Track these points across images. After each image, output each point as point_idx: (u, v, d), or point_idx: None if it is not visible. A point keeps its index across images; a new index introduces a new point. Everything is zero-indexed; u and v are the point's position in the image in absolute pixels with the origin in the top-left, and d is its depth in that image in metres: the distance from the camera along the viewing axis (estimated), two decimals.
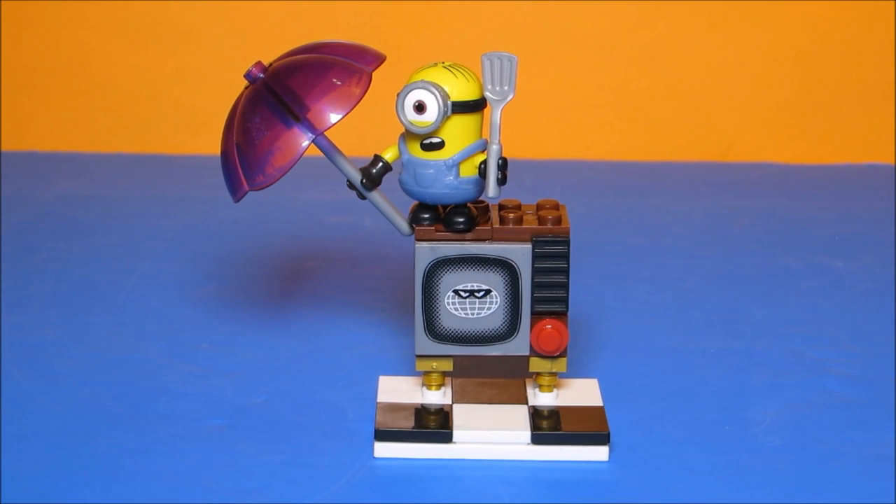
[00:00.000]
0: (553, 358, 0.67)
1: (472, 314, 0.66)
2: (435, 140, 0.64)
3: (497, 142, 0.64)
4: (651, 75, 1.14)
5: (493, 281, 0.65)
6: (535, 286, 0.65)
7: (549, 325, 0.66)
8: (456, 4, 1.14)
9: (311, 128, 0.64)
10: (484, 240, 0.65)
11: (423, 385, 0.68)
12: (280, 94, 0.64)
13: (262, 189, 0.65)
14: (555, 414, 0.67)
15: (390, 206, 0.67)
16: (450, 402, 0.68)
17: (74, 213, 1.00)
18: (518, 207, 0.67)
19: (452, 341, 0.66)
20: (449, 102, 0.63)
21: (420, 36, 1.14)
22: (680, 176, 1.11)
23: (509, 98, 0.63)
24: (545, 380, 0.67)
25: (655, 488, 0.63)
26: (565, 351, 0.66)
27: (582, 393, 0.69)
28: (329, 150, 0.66)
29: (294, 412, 0.70)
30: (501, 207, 0.67)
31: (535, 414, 0.67)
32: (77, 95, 1.17)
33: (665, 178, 1.10)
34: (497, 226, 0.65)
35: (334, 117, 0.64)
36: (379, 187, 0.67)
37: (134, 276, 0.88)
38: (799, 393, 0.72)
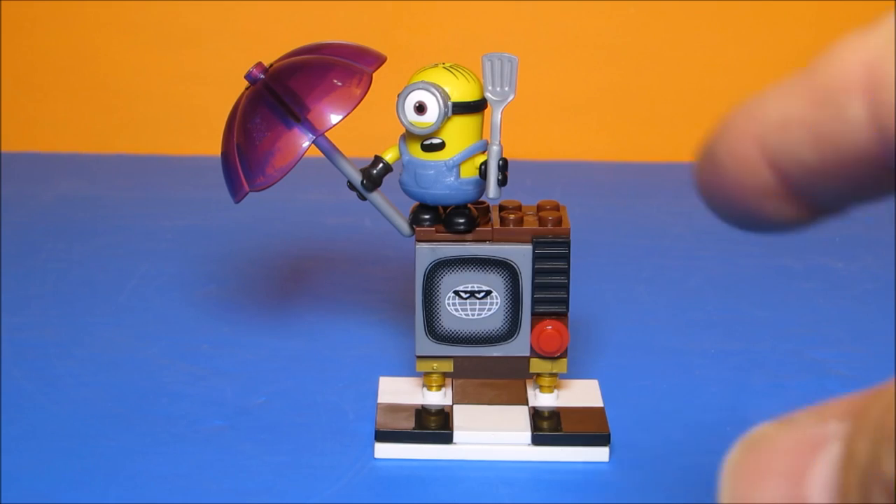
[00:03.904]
0: (553, 359, 0.67)
1: (473, 315, 0.66)
2: (435, 141, 0.64)
3: (497, 143, 0.64)
4: (651, 75, 1.14)
5: (494, 282, 0.65)
6: (536, 287, 0.65)
7: (549, 325, 0.66)
8: (456, 4, 1.14)
9: (311, 128, 0.64)
10: (484, 241, 0.65)
11: (424, 386, 0.68)
12: (281, 94, 0.64)
13: (262, 190, 0.65)
14: (555, 415, 0.67)
15: (391, 207, 0.67)
16: (450, 403, 0.68)
17: (75, 213, 1.00)
18: (518, 208, 0.67)
19: (453, 342, 0.66)
20: (449, 103, 0.63)
21: (420, 36, 1.14)
22: (680, 176, 1.10)
23: (510, 99, 0.63)
24: (546, 380, 0.67)
25: (655, 488, 0.63)
26: (566, 352, 0.66)
27: (582, 394, 0.69)
28: (329, 151, 0.66)
29: (294, 413, 0.70)
30: (502, 208, 0.67)
31: (536, 415, 0.67)
32: (77, 96, 1.17)
33: (665, 179, 1.10)
34: (497, 227, 0.65)
35: (335, 118, 0.64)
36: (379, 188, 0.67)
37: (134, 276, 0.88)
38: (799, 393, 0.72)
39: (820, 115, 0.29)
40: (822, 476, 0.27)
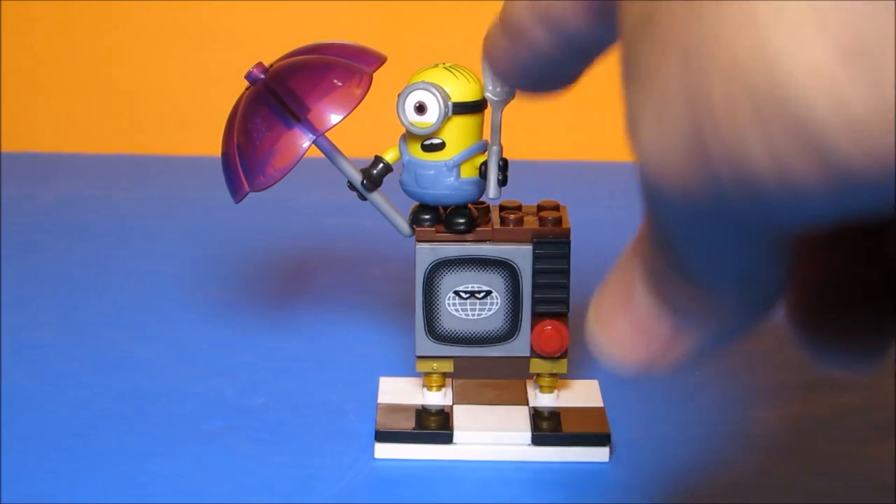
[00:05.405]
0: (554, 359, 0.67)
1: (473, 315, 0.66)
2: (436, 141, 0.64)
3: (498, 143, 0.64)
4: None
5: (494, 282, 0.65)
6: (536, 287, 0.65)
7: (549, 325, 0.66)
8: (456, 4, 1.14)
9: (311, 129, 0.64)
10: (484, 241, 0.65)
11: (424, 386, 0.68)
12: (281, 94, 0.64)
13: (262, 190, 0.65)
14: (555, 415, 0.67)
15: (391, 207, 0.67)
16: (450, 403, 0.68)
17: (75, 213, 1.00)
18: (519, 208, 0.67)
19: (453, 342, 0.66)
20: (450, 103, 0.63)
21: (420, 36, 1.14)
22: None
23: (510, 99, 0.63)
24: (546, 381, 0.67)
25: (655, 488, 0.63)
26: (566, 352, 0.66)
27: (582, 394, 0.69)
28: (330, 151, 0.66)
29: (294, 413, 0.70)
30: (502, 208, 0.67)
31: (536, 415, 0.67)
32: (77, 96, 1.17)
33: None
34: (498, 227, 0.65)
35: (335, 118, 0.64)
36: (380, 188, 0.67)
37: (134, 276, 0.88)
38: (799, 393, 0.72)
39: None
40: (640, 290, 0.39)
